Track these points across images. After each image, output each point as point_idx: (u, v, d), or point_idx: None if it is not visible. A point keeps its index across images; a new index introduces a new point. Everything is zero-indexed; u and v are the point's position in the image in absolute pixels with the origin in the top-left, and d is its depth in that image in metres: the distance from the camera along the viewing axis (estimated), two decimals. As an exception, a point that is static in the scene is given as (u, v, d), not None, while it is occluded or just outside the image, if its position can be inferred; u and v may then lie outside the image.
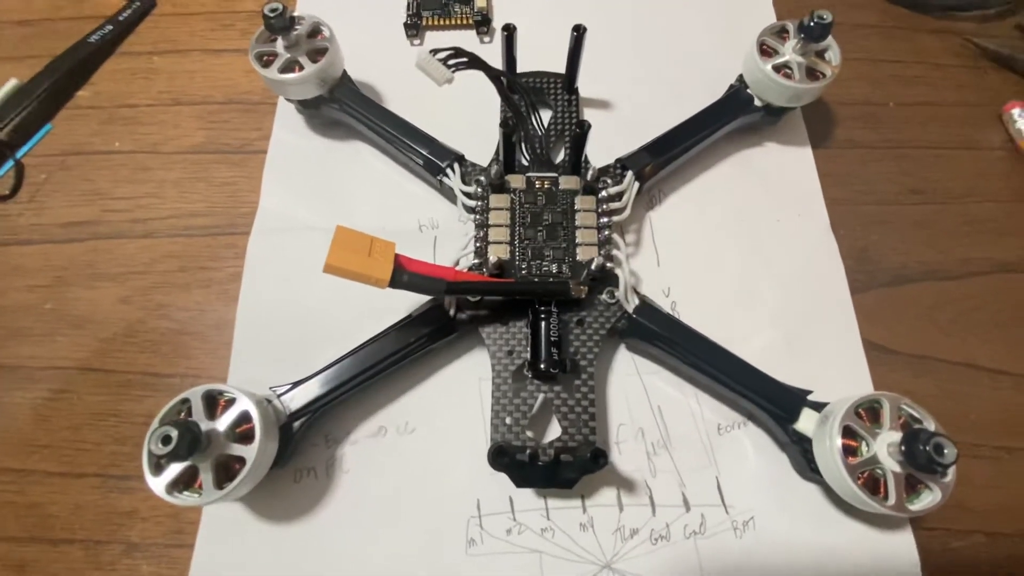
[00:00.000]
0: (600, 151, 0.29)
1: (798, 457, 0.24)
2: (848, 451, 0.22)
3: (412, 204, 0.31)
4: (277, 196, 0.32)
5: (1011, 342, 0.28)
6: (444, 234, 0.31)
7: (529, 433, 0.24)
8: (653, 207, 0.31)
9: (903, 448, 0.20)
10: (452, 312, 0.26)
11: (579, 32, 0.28)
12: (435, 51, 0.23)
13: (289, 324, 0.29)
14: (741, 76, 0.32)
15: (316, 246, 0.30)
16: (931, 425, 0.22)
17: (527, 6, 0.37)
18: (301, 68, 0.29)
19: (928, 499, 0.21)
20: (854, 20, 0.37)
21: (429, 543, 0.25)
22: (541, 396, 0.25)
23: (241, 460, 0.21)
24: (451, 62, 0.23)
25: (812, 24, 0.28)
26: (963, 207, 0.32)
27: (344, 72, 0.32)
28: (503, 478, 0.24)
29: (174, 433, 0.19)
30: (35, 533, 0.25)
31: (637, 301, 0.26)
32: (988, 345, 0.28)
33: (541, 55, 0.31)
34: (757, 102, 0.31)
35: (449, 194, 0.30)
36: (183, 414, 0.23)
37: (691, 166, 0.32)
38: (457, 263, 0.27)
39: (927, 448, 0.20)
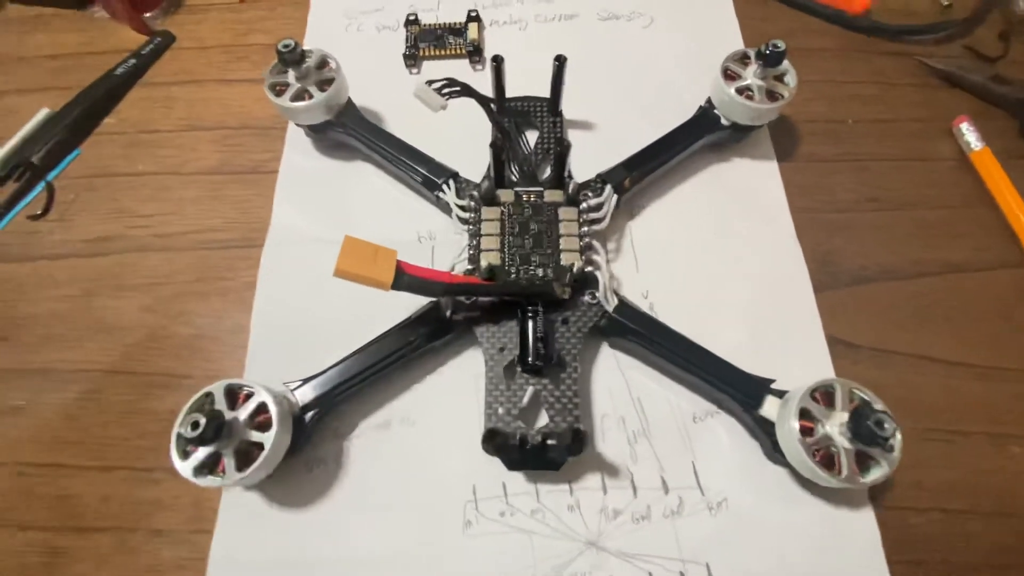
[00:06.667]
0: (584, 167, 0.32)
1: (765, 441, 0.27)
2: (805, 431, 0.24)
3: (411, 217, 0.34)
4: (288, 212, 0.35)
5: (961, 336, 0.31)
6: (440, 244, 0.33)
7: (519, 422, 0.27)
8: (633, 218, 0.34)
9: (851, 425, 0.23)
10: (448, 313, 0.28)
11: (560, 62, 0.32)
12: (430, 82, 0.26)
13: (299, 328, 0.31)
14: (709, 98, 0.35)
15: (324, 257, 0.32)
16: (879, 405, 0.24)
17: (515, 37, 0.41)
18: (310, 96, 0.32)
19: (878, 472, 0.23)
20: (815, 45, 0.41)
21: (429, 525, 0.27)
22: (530, 388, 0.27)
23: (259, 446, 0.24)
24: (445, 91, 0.26)
25: (769, 52, 0.31)
26: (916, 213, 0.35)
27: (349, 99, 0.35)
28: (497, 465, 0.26)
29: (202, 420, 0.22)
30: (67, 522, 0.28)
31: (616, 301, 0.29)
32: (940, 339, 0.31)
33: (532, 79, 0.34)
34: (724, 121, 0.34)
35: (445, 207, 0.33)
36: (206, 406, 0.25)
37: (667, 180, 0.35)
38: (453, 268, 0.29)
39: (870, 424, 0.22)
